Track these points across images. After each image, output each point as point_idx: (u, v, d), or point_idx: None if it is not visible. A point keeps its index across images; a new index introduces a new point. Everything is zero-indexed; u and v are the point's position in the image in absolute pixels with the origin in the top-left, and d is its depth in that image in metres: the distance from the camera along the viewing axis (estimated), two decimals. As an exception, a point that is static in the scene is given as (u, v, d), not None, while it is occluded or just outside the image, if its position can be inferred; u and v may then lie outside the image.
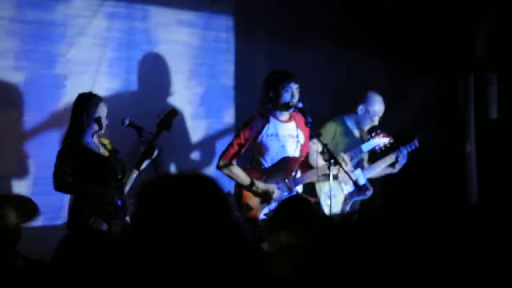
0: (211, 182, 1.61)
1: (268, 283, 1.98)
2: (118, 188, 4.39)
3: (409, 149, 5.37)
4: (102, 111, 4.47)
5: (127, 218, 4.34)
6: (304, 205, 3.37)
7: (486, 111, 6.03)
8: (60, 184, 4.35)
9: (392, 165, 5.39)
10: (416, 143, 5.39)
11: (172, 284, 1.51)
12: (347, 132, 5.36)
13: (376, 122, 5.33)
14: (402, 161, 5.35)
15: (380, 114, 5.35)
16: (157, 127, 4.51)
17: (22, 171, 5.10)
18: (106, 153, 4.51)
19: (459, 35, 6.01)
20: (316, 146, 4.93)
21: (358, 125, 5.39)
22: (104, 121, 4.49)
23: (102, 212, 4.34)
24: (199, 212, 1.54)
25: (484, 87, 6.03)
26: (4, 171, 5.03)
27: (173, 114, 4.61)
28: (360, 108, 5.34)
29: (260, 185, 4.86)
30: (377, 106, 5.33)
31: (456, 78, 6.14)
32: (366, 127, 5.35)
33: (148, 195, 1.59)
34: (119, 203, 4.36)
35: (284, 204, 3.51)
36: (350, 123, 5.40)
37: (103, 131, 4.51)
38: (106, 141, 4.59)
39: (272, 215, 3.61)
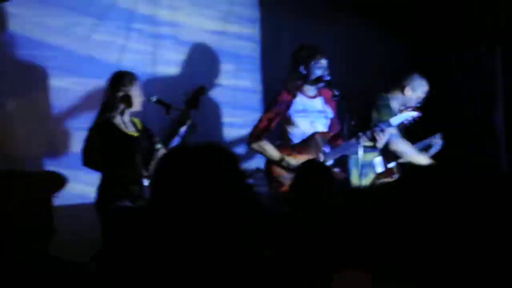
0: (226, 152, 1.64)
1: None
2: (145, 168, 4.40)
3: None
4: (135, 89, 4.44)
5: None
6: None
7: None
8: (87, 159, 4.36)
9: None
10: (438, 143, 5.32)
11: (187, 254, 1.56)
12: (389, 113, 5.08)
13: (419, 104, 5.09)
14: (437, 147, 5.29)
15: (424, 96, 5.15)
16: (185, 106, 4.46)
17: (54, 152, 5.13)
18: (135, 134, 4.49)
19: (482, 7, 5.96)
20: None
21: (403, 106, 5.11)
22: (138, 100, 4.46)
23: (128, 192, 4.33)
24: (212, 180, 1.58)
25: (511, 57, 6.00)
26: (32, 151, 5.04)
27: (201, 92, 4.54)
28: (407, 90, 5.11)
29: (292, 161, 4.84)
30: (421, 89, 5.13)
31: (482, 50, 6.10)
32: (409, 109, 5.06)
33: (164, 164, 1.64)
34: (145, 183, 4.37)
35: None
36: (394, 104, 5.13)
37: (136, 110, 4.49)
38: (136, 120, 4.57)
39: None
